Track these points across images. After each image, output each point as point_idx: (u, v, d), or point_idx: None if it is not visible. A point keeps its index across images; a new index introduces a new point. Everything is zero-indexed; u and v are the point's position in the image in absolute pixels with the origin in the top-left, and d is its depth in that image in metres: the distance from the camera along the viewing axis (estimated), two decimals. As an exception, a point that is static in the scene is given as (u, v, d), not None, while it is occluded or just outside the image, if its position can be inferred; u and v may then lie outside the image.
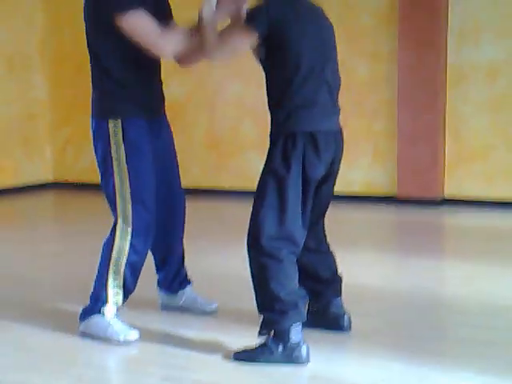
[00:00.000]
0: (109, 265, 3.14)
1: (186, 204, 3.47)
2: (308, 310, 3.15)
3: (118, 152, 3.10)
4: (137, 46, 3.02)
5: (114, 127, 3.10)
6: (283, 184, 2.85)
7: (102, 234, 3.24)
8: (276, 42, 2.84)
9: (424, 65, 6.22)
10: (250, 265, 2.91)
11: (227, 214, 6.35)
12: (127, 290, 3.19)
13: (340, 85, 3.05)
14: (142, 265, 3.22)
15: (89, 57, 3.18)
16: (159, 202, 3.25)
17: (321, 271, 3.16)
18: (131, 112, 3.13)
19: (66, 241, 5.51)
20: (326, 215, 3.18)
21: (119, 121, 3.10)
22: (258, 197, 2.91)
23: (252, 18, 2.83)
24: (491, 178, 6.27)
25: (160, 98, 3.32)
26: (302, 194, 2.88)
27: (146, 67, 3.16)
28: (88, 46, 3.16)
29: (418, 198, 6.36)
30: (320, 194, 3.00)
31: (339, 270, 3.24)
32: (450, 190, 6.39)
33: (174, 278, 3.50)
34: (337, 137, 2.98)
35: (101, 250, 3.19)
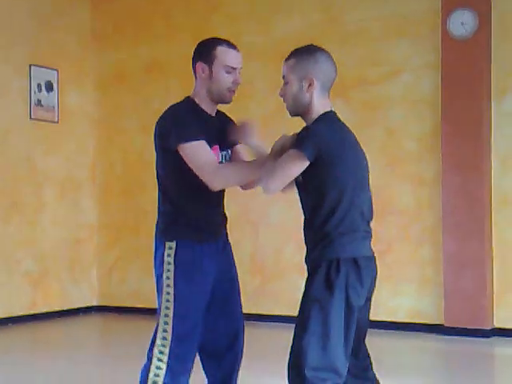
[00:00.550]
0: None
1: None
2: None
3: (168, 274, 3.11)
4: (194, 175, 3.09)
5: (169, 249, 3.13)
6: (327, 311, 2.77)
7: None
8: (320, 168, 2.82)
9: (468, 190, 6.21)
10: None
11: (268, 340, 6.25)
12: None
13: (372, 210, 3.01)
14: None
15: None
16: (219, 334, 3.23)
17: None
18: (185, 235, 3.15)
19: (110, 364, 5.45)
20: (370, 345, 3.09)
21: (174, 243, 3.13)
22: (300, 325, 2.82)
23: (301, 143, 2.80)
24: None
25: (219, 224, 3.32)
26: (345, 321, 2.80)
27: (204, 192, 3.16)
28: (156, 167, 3.26)
29: (466, 327, 6.19)
30: (358, 320, 2.91)
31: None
32: (500, 319, 6.21)
33: None
34: (374, 262, 2.94)
35: (139, 376, 3.14)
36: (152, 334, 3.16)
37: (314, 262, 2.89)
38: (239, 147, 3.33)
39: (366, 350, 3.07)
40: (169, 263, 3.12)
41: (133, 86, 7.91)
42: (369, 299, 2.95)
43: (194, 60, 3.22)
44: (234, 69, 3.16)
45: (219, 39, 3.22)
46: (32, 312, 7.36)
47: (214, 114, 3.26)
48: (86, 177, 8.04)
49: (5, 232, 7.21)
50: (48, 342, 6.60)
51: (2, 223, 7.20)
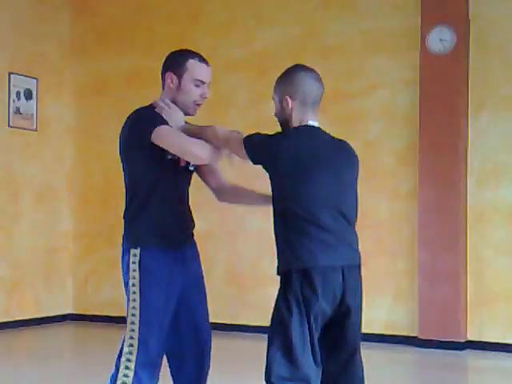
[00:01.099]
0: None
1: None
2: None
3: (133, 281, 3.12)
4: (163, 176, 3.13)
5: (133, 256, 3.14)
6: (285, 323, 2.82)
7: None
8: (271, 175, 2.92)
9: (444, 205, 6.28)
10: None
11: (245, 351, 6.26)
12: None
13: (355, 217, 3.05)
14: None
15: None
16: (183, 338, 3.24)
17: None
18: (148, 242, 3.16)
19: (83, 373, 5.43)
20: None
21: (138, 250, 3.15)
22: (268, 337, 2.90)
23: (251, 146, 2.93)
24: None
25: (185, 231, 3.32)
26: (306, 331, 2.83)
27: (167, 199, 3.20)
28: (123, 172, 3.27)
29: (440, 339, 6.24)
30: (345, 331, 2.94)
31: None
32: (473, 332, 6.27)
33: None
34: (347, 272, 2.91)
35: None
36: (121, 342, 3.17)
37: (277, 270, 2.96)
38: None
39: (361, 362, 3.04)
40: (134, 270, 3.12)
41: (112, 95, 7.91)
42: (349, 310, 2.91)
43: (164, 69, 3.25)
44: (204, 83, 3.20)
45: (191, 52, 3.26)
46: (6, 320, 7.31)
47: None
48: (64, 185, 8.02)
49: (-20, 239, 7.18)
50: (22, 350, 6.56)
51: (-22, 230, 7.17)
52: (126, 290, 3.16)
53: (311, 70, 3.04)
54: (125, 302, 3.18)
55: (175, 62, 3.22)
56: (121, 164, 3.26)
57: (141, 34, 7.79)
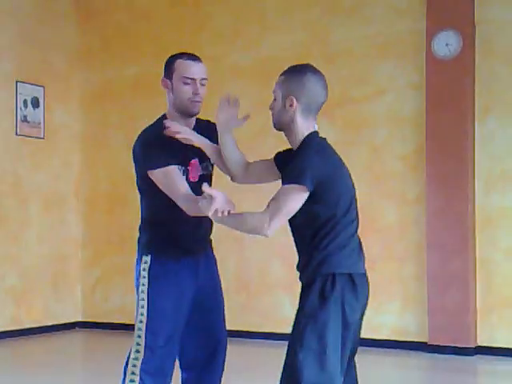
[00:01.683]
0: None
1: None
2: None
3: (143, 288, 3.14)
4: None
5: (144, 263, 3.17)
6: (323, 327, 2.76)
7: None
8: (314, 195, 2.82)
9: (452, 209, 6.26)
10: None
11: (255, 358, 6.25)
12: None
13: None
14: None
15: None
16: (198, 346, 3.24)
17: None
18: (161, 250, 3.18)
19: (93, 381, 5.43)
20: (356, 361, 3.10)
21: (149, 257, 3.16)
22: (296, 341, 2.79)
23: (300, 175, 2.78)
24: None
25: (200, 239, 3.32)
26: (341, 338, 2.80)
27: (181, 215, 3.14)
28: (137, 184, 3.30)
29: (449, 345, 6.21)
30: (355, 335, 2.93)
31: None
32: (483, 337, 6.24)
33: None
34: (367, 279, 2.96)
35: None
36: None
37: (308, 278, 2.88)
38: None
39: (355, 368, 3.02)
40: (143, 277, 3.15)
41: (119, 103, 7.93)
42: (362, 317, 2.95)
43: (163, 75, 3.27)
44: (193, 79, 3.18)
45: (180, 53, 3.26)
46: (15, 328, 7.32)
47: (190, 127, 3.26)
48: (71, 192, 8.03)
49: (-12, 247, 7.20)
50: (31, 357, 6.57)
51: (-14, 238, 7.19)
52: (136, 297, 3.18)
53: (322, 76, 2.96)
54: (135, 308, 3.19)
55: (166, 67, 3.24)
56: (134, 171, 3.27)
57: (147, 41, 7.80)
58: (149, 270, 3.15)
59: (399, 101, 6.63)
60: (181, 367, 3.35)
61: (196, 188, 3.12)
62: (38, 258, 7.63)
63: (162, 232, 3.19)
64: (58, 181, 7.89)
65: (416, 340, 6.45)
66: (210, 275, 3.36)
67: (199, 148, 3.21)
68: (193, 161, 3.20)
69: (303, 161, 2.82)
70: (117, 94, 7.96)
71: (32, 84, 7.65)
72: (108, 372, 5.62)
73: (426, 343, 6.36)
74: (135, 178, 3.29)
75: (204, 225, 3.32)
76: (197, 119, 3.32)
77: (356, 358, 3.06)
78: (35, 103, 7.68)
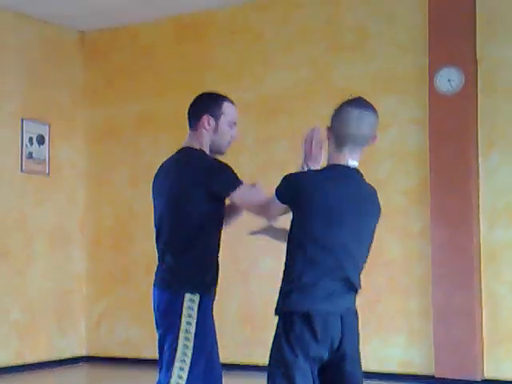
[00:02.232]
0: None
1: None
2: None
3: (188, 327, 3.13)
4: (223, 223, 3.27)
5: (190, 301, 3.15)
6: (288, 364, 2.78)
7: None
8: (293, 213, 2.90)
9: (456, 243, 6.27)
10: None
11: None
12: None
13: (363, 264, 3.01)
14: None
15: (166, 225, 3.29)
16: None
17: None
18: (207, 289, 3.22)
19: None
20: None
21: (197, 296, 3.16)
22: (268, 377, 2.84)
23: (279, 187, 2.92)
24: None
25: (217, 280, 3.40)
26: (310, 372, 2.80)
27: (216, 249, 3.32)
28: (175, 215, 3.25)
29: (456, 378, 6.19)
30: (343, 376, 2.89)
31: None
32: (490, 370, 6.22)
33: None
34: (345, 319, 2.88)
35: None
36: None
37: (275, 309, 2.91)
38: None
39: None
40: (190, 316, 3.13)
41: (123, 140, 8.00)
42: (344, 358, 2.86)
43: (200, 112, 3.32)
44: (235, 124, 3.37)
45: (223, 95, 3.40)
46: (19, 363, 7.30)
47: None
48: (76, 228, 8.06)
49: (-6, 282, 7.20)
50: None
51: (-8, 273, 7.20)
52: (172, 334, 3.14)
53: (361, 108, 2.91)
54: (167, 344, 3.16)
55: (212, 105, 3.33)
56: (192, 200, 3.22)
57: (151, 79, 7.89)
58: (198, 310, 3.14)
59: (402, 136, 6.68)
60: None
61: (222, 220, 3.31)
62: (43, 292, 7.63)
63: (210, 270, 3.25)
64: (62, 217, 7.92)
65: (423, 373, 6.43)
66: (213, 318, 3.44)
67: None
68: None
69: (289, 174, 2.92)
70: (121, 130, 8.03)
71: (37, 121, 7.72)
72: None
73: (432, 376, 6.33)
74: (184, 204, 3.21)
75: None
76: None
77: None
78: (40, 140, 7.75)
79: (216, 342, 3.28)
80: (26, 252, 7.52)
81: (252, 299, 7.22)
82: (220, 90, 7.78)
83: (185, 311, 3.14)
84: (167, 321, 3.19)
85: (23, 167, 7.56)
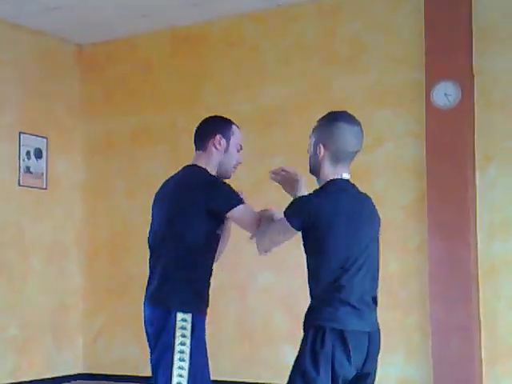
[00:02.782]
0: None
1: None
2: None
3: (183, 347, 3.10)
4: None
5: (182, 321, 3.12)
6: (311, 381, 2.77)
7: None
8: (311, 236, 2.87)
9: (454, 258, 6.24)
10: None
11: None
12: None
13: (377, 281, 3.04)
14: None
15: (160, 243, 3.28)
16: None
17: None
18: (200, 309, 3.21)
19: None
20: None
21: (189, 315, 3.14)
22: None
23: (289, 212, 2.89)
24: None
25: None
26: None
27: (211, 268, 3.31)
28: (168, 229, 3.24)
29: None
30: None
31: None
32: (489, 386, 6.18)
33: None
34: (371, 337, 2.91)
35: None
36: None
37: (304, 324, 2.90)
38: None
39: None
40: (183, 336, 3.10)
41: (121, 153, 7.98)
42: (368, 374, 2.90)
43: (212, 132, 3.35)
44: (241, 148, 3.45)
45: (229, 119, 3.50)
46: (15, 380, 7.25)
47: None
48: (73, 242, 8.03)
49: (-10, 298, 7.17)
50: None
51: (-13, 289, 7.16)
52: (166, 354, 3.11)
53: (354, 125, 2.99)
54: (162, 364, 3.12)
55: (224, 126, 3.39)
56: (185, 218, 3.21)
57: (148, 92, 7.88)
58: (192, 330, 3.12)
59: (399, 150, 6.66)
60: None
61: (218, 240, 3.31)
62: (40, 308, 7.59)
63: (198, 291, 3.21)
64: (59, 231, 7.89)
65: (421, 390, 6.38)
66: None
67: None
68: None
69: (302, 199, 2.92)
70: (118, 143, 8.01)
71: (35, 135, 7.70)
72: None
73: (431, 393, 6.29)
74: (180, 222, 3.21)
75: None
76: None
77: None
78: (38, 154, 7.73)
79: (208, 363, 3.26)
80: (22, 267, 7.48)
81: (250, 315, 7.17)
82: (216, 102, 7.83)
83: (178, 331, 3.12)
84: (161, 340, 3.16)
85: (20, 181, 7.53)
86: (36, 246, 7.63)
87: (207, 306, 3.29)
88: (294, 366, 2.86)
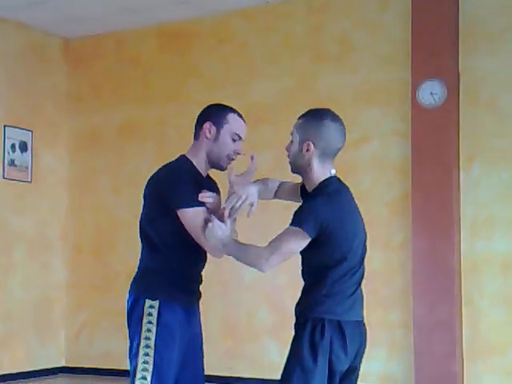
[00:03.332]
0: None
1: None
2: None
3: (149, 334, 3.07)
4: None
5: (150, 307, 3.09)
6: (309, 375, 2.78)
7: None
8: (320, 240, 2.87)
9: (437, 255, 6.29)
10: None
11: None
12: None
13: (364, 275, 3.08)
14: None
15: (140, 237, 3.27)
16: None
17: None
18: (172, 297, 3.13)
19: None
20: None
21: (157, 302, 3.10)
22: (283, 382, 2.83)
23: (302, 220, 2.85)
24: (510, 374, 6.13)
25: (197, 291, 3.34)
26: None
27: (194, 253, 3.20)
28: (140, 224, 3.24)
29: (436, 391, 6.19)
30: None
31: None
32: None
33: None
34: (362, 326, 2.97)
35: None
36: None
37: (300, 315, 2.91)
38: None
39: None
40: (149, 322, 3.07)
41: (107, 147, 7.97)
42: (355, 368, 2.93)
43: (202, 119, 3.24)
44: (240, 138, 3.24)
45: (230, 107, 3.29)
46: (-2, 373, 7.25)
47: (204, 175, 3.31)
48: (57, 236, 8.01)
49: (-28, 291, 7.14)
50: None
51: (-30, 282, 7.14)
52: (134, 341, 3.09)
53: (340, 122, 3.00)
54: (131, 352, 3.11)
55: (216, 113, 3.23)
56: (147, 209, 3.23)
57: (135, 87, 7.88)
58: (158, 316, 3.07)
59: (384, 148, 6.70)
60: None
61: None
62: (22, 302, 7.56)
63: (173, 277, 3.14)
64: (43, 225, 7.87)
65: (403, 387, 6.43)
66: (199, 325, 3.35)
67: (213, 185, 3.30)
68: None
69: (311, 207, 2.87)
70: (104, 138, 8.00)
71: (20, 128, 7.67)
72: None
73: (413, 390, 6.34)
74: (144, 214, 3.23)
75: (200, 279, 3.36)
76: None
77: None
78: (23, 147, 7.70)
79: (182, 353, 3.16)
80: (4, 261, 7.45)
81: (233, 311, 7.19)
82: (204, 98, 7.80)
83: (145, 318, 3.08)
84: (130, 328, 3.15)
85: (5, 174, 7.51)
86: (19, 240, 7.60)
87: (187, 295, 3.20)
88: (290, 357, 2.86)
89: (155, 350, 3.05)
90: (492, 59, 6.34)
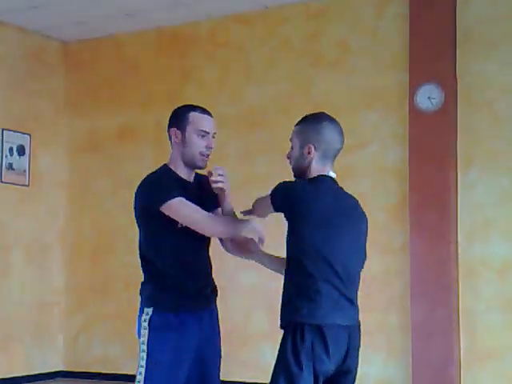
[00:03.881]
0: None
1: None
2: None
3: (143, 339, 3.14)
4: (182, 239, 3.16)
5: (146, 315, 3.16)
6: (295, 379, 2.79)
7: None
8: (291, 223, 2.91)
9: (435, 259, 6.29)
10: None
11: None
12: None
13: (359, 279, 3.06)
14: None
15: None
16: None
17: None
18: (165, 303, 3.17)
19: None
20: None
21: (151, 309, 3.16)
22: None
23: (276, 192, 2.94)
24: (509, 379, 6.12)
25: (203, 293, 3.34)
26: None
27: (185, 261, 3.22)
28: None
29: (433, 395, 6.19)
30: None
31: None
32: (467, 387, 6.23)
33: None
34: (351, 331, 2.94)
35: None
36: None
37: (282, 320, 2.92)
38: (219, 211, 3.37)
39: None
40: (144, 328, 3.14)
41: (105, 151, 7.97)
42: (348, 371, 2.92)
43: (169, 126, 3.30)
44: (207, 133, 3.25)
45: (192, 105, 3.32)
46: (-4, 377, 7.24)
47: (191, 180, 3.32)
48: (56, 240, 8.00)
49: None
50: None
51: (-32, 286, 7.13)
52: (138, 349, 3.17)
53: (337, 124, 3.06)
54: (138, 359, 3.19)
55: (177, 117, 3.27)
56: (137, 218, 3.27)
57: (133, 91, 7.88)
58: (149, 321, 3.14)
59: (382, 152, 6.70)
60: None
61: (197, 236, 3.17)
62: (20, 305, 7.56)
63: (163, 284, 3.18)
64: (42, 228, 7.87)
65: (401, 390, 6.43)
66: (213, 330, 3.39)
67: (200, 199, 3.26)
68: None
69: (290, 183, 2.95)
70: (102, 141, 8.00)
71: (18, 132, 7.67)
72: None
73: (410, 394, 6.34)
74: (138, 228, 3.28)
75: (207, 279, 3.38)
76: (195, 172, 3.38)
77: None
78: (21, 151, 7.70)
79: (177, 361, 3.16)
80: (3, 264, 7.45)
81: (230, 315, 7.17)
82: (201, 102, 7.77)
83: (142, 325, 3.17)
84: (138, 335, 3.23)
85: (3, 178, 7.51)
86: (18, 243, 7.60)
87: (181, 301, 3.19)
88: (276, 363, 2.88)
89: (147, 353, 3.12)
90: (489, 63, 6.36)
